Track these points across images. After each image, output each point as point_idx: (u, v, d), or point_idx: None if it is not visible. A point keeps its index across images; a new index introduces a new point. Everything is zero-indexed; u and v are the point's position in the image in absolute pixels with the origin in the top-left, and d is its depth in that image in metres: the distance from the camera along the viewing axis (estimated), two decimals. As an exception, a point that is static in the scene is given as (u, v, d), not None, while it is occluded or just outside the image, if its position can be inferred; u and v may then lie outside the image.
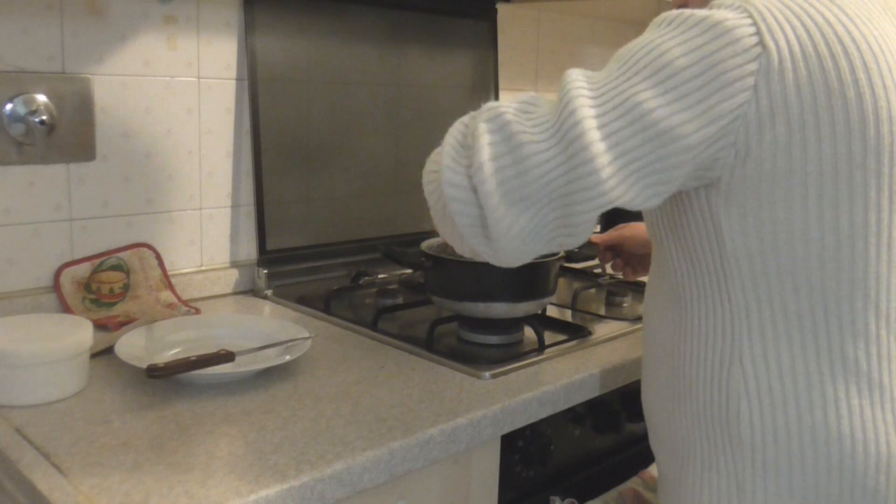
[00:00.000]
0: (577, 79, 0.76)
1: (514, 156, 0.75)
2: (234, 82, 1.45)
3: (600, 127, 0.72)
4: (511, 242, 0.77)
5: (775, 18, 0.73)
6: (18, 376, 0.94)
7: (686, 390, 0.87)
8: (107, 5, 1.28)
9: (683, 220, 0.84)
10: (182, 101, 1.39)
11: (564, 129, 0.73)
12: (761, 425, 0.80)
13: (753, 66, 0.72)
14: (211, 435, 0.90)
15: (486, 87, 1.86)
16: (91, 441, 0.87)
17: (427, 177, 0.85)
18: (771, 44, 0.72)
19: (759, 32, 0.73)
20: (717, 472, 0.84)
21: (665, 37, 0.75)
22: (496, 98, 1.87)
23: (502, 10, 1.87)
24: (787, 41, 0.73)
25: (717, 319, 0.83)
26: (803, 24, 0.74)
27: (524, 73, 1.99)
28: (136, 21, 1.31)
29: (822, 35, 0.74)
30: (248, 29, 1.43)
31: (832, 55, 0.73)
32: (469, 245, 0.82)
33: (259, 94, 1.45)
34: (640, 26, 2.62)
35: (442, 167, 0.79)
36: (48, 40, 1.22)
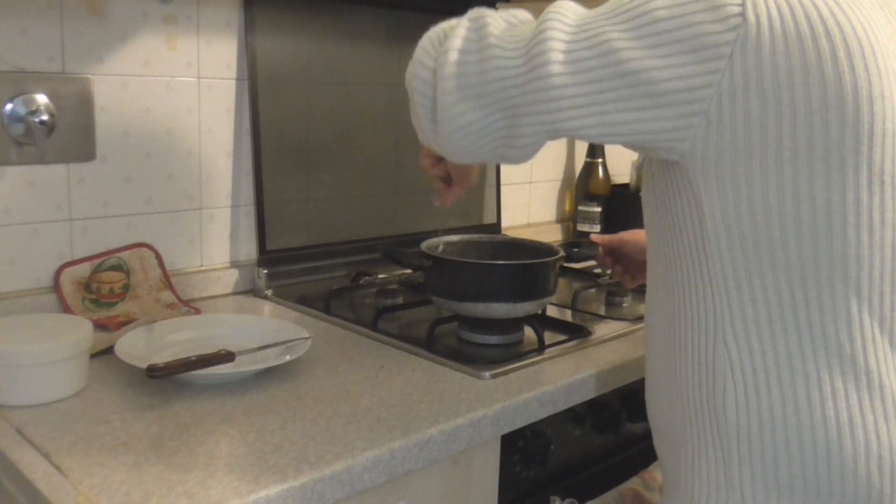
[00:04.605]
0: (563, 9, 0.79)
1: (480, 54, 0.79)
2: (234, 82, 1.45)
3: (566, 52, 0.76)
4: (454, 134, 0.82)
5: None
6: (18, 376, 0.94)
7: (678, 377, 0.86)
8: (107, 5, 1.28)
9: (670, 200, 0.84)
10: (182, 101, 1.39)
11: (531, 45, 0.77)
12: (746, 408, 0.79)
13: (730, 36, 0.72)
14: (211, 435, 0.90)
15: (486, 87, 1.86)
16: (91, 441, 0.87)
17: (409, 69, 0.88)
18: (752, 17, 0.72)
19: (742, 4, 0.73)
20: (706, 461, 0.83)
21: None
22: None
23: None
24: (770, 16, 0.73)
25: (700, 301, 0.82)
26: (788, 3, 0.74)
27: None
28: (136, 21, 1.31)
29: (806, 14, 0.74)
30: (248, 29, 1.43)
31: (813, 34, 0.73)
32: (421, 128, 0.87)
33: (259, 94, 1.45)
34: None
35: (418, 49, 0.85)
36: (48, 40, 1.22)
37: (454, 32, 0.81)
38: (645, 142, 0.78)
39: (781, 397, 0.78)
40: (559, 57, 0.75)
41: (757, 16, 0.72)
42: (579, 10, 0.79)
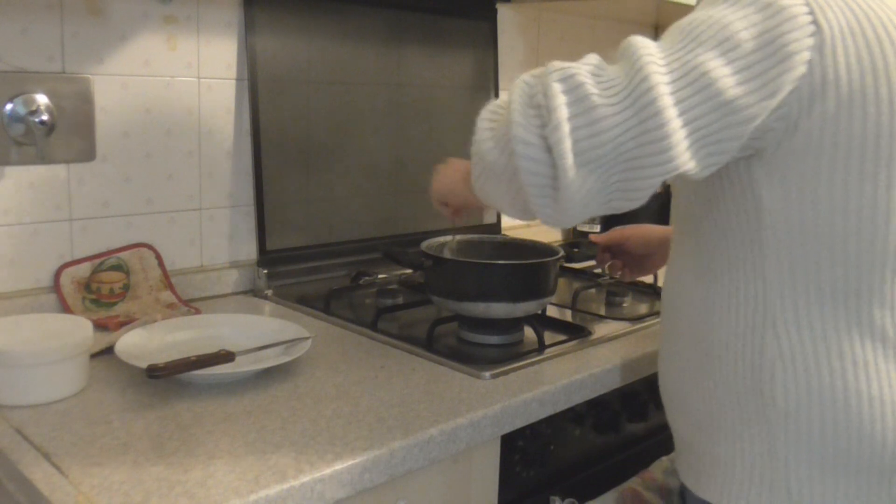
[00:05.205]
0: (646, 45, 0.76)
1: (587, 117, 0.74)
2: (234, 82, 1.45)
3: (671, 94, 0.73)
4: (577, 204, 0.77)
5: (825, 0, 0.78)
6: (18, 376, 0.94)
7: (716, 360, 0.89)
8: (107, 5, 1.28)
9: (719, 192, 0.86)
10: (182, 101, 1.39)
11: (637, 94, 0.73)
12: (795, 388, 0.84)
13: (810, 42, 0.76)
14: (211, 435, 0.90)
15: (486, 87, 1.86)
16: (91, 441, 0.87)
17: (482, 134, 0.83)
18: (823, 22, 0.76)
19: (812, 12, 0.76)
20: (750, 441, 0.87)
21: (724, 12, 0.77)
22: (496, 98, 1.87)
23: (502, 10, 1.87)
24: (838, 21, 0.77)
25: (750, 288, 0.85)
26: (850, 8, 0.78)
27: (524, 74, 1.99)
28: (136, 21, 1.31)
29: (868, 19, 0.78)
30: (248, 29, 1.43)
31: (877, 37, 0.78)
32: (532, 204, 0.80)
33: (259, 94, 1.45)
34: (640, 26, 2.62)
35: (512, 124, 0.77)
36: (48, 40, 1.22)
37: (552, 101, 0.75)
38: (733, 156, 0.80)
39: (831, 380, 0.83)
40: (669, 101, 0.73)
41: (828, 21, 0.77)
42: (654, 43, 0.77)
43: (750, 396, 0.86)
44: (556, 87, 0.75)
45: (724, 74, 0.74)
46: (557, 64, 0.78)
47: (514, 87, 0.81)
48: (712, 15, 0.77)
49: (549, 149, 0.75)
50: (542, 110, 0.76)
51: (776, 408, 0.85)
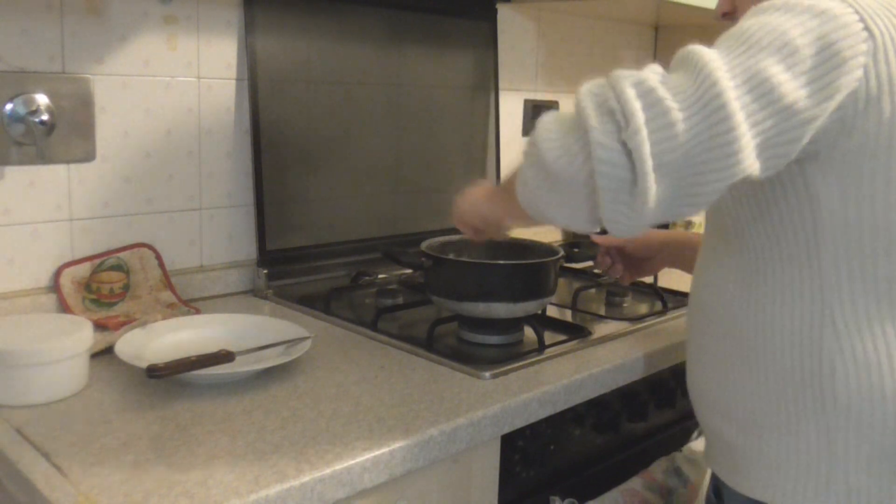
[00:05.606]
0: (708, 52, 0.76)
1: (661, 121, 0.74)
2: (234, 82, 1.45)
3: (737, 98, 0.74)
4: (651, 209, 0.76)
5: (871, 8, 0.80)
6: (18, 376, 0.94)
7: (765, 358, 0.90)
8: (107, 5, 1.28)
9: (771, 195, 0.88)
10: (182, 101, 1.39)
11: (706, 99, 0.73)
12: (857, 384, 0.85)
13: (864, 47, 0.78)
14: (211, 435, 0.90)
15: (486, 87, 1.86)
16: (91, 441, 0.87)
17: (546, 144, 0.81)
18: (875, 30, 0.79)
19: (863, 20, 0.79)
20: (806, 436, 0.89)
21: (779, 20, 0.78)
22: (496, 98, 1.87)
23: (502, 10, 1.87)
24: (887, 28, 0.80)
25: (805, 286, 0.87)
26: (890, 20, 0.81)
27: (524, 73, 1.99)
28: (136, 21, 1.31)
29: None
30: (248, 29, 1.43)
31: None
32: (604, 211, 0.78)
33: (259, 94, 1.45)
34: (640, 26, 2.61)
35: (591, 130, 0.76)
36: (48, 40, 1.22)
37: (628, 105, 0.74)
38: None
39: (891, 373, 0.85)
40: (736, 105, 0.73)
41: (878, 27, 0.79)
42: (713, 50, 0.78)
43: (806, 392, 0.88)
44: (631, 93, 0.75)
45: (785, 79, 0.75)
46: (624, 71, 0.78)
47: (578, 97, 0.79)
48: (768, 22, 0.78)
49: (629, 153, 0.74)
50: (616, 115, 0.75)
51: (836, 403, 0.86)
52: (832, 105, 0.78)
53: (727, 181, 0.75)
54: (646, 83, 0.75)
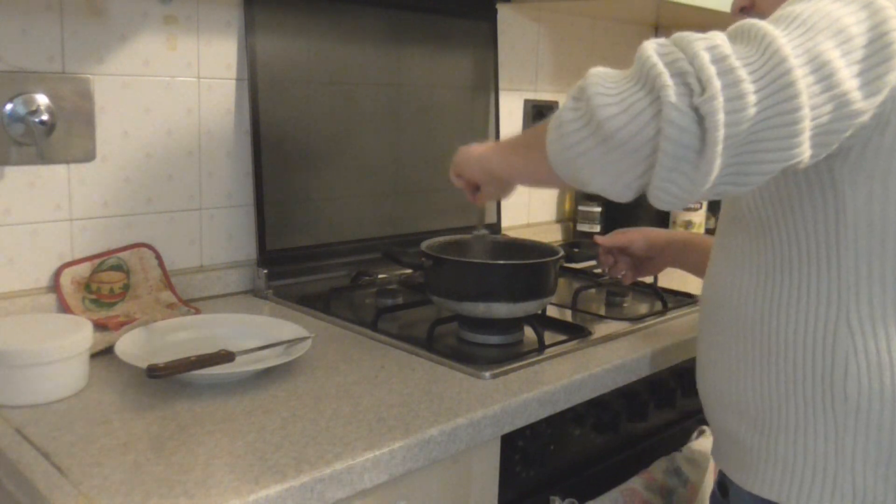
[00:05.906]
0: (769, 26, 0.73)
1: (735, 90, 0.70)
2: (234, 82, 1.45)
3: (804, 77, 0.70)
4: (709, 181, 0.72)
5: None
6: (18, 376, 0.94)
7: (779, 357, 0.90)
8: (107, 5, 1.28)
9: (795, 192, 0.87)
10: (182, 101, 1.39)
11: (775, 75, 0.70)
12: (868, 384, 0.85)
13: None
14: (211, 435, 0.90)
15: (486, 87, 1.86)
16: (91, 441, 0.87)
17: (600, 100, 0.75)
18: None
19: None
20: (815, 435, 0.89)
21: (831, 6, 0.75)
22: (496, 99, 1.87)
23: (502, 10, 1.87)
24: None
25: (823, 285, 0.87)
26: None
27: (524, 73, 1.99)
28: (136, 21, 1.31)
29: None
30: (248, 29, 1.43)
31: None
32: (659, 178, 0.73)
33: (259, 94, 1.45)
34: (640, 26, 2.61)
35: (665, 88, 0.70)
36: (48, 40, 1.22)
37: (704, 71, 0.70)
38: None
39: None
40: (802, 84, 0.70)
41: None
42: (771, 26, 0.74)
43: (818, 391, 0.88)
44: (705, 56, 0.70)
45: (842, 65, 0.72)
46: (691, 33, 0.73)
47: (644, 54, 0.74)
48: (821, 7, 0.75)
49: (700, 119, 0.70)
50: (688, 77, 0.70)
51: (847, 403, 0.86)
52: (879, 99, 0.76)
53: (782, 163, 0.72)
54: (719, 49, 0.71)
